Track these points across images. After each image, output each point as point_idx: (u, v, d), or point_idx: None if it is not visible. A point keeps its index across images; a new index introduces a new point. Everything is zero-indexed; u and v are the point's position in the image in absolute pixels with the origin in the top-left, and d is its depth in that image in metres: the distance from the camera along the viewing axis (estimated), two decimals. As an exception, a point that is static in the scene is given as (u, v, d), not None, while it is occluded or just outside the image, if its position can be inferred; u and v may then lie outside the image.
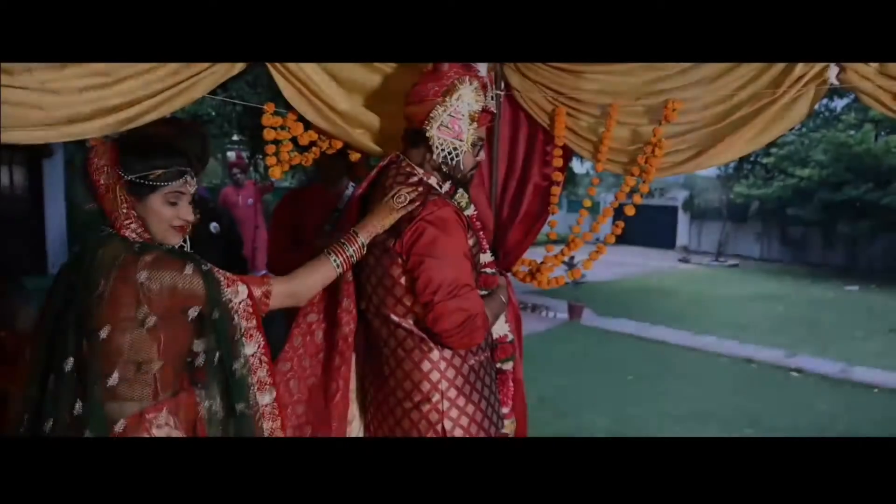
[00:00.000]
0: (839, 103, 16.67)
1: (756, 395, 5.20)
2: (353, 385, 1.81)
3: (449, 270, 1.54)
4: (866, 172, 13.53)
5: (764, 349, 6.65)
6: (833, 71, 1.78)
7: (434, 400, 1.62)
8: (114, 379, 1.30)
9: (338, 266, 1.54)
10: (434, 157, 1.69)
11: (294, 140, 2.04)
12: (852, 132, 14.01)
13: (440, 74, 1.67)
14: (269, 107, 1.98)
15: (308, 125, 2.03)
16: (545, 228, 2.57)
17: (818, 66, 1.77)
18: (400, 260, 1.61)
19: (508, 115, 2.58)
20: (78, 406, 1.27)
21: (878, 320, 8.81)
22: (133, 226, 1.35)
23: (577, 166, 10.44)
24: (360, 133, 2.09)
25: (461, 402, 1.64)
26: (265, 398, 1.39)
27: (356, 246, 1.56)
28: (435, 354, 1.64)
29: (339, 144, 2.11)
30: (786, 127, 1.93)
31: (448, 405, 1.63)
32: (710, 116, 2.06)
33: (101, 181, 1.33)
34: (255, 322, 1.38)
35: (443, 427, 1.62)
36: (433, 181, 1.74)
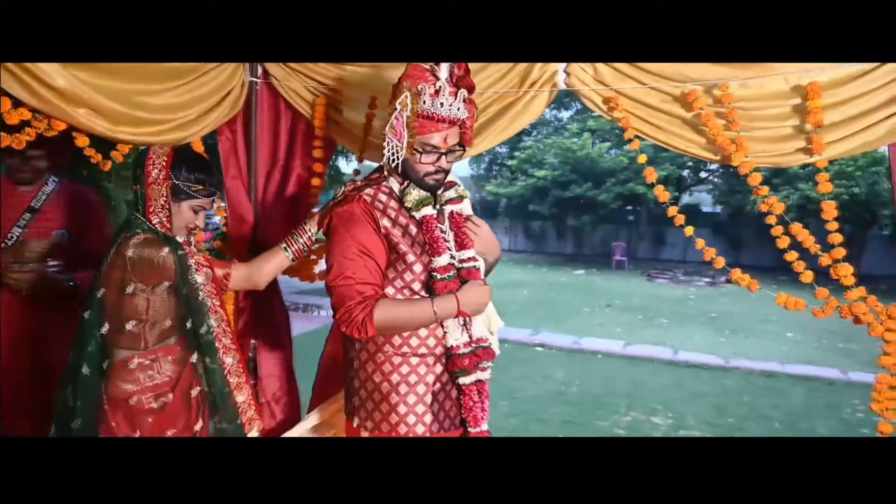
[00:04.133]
0: (566, 114, 19.44)
1: (509, 370, 5.78)
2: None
3: (336, 260, 1.60)
4: (586, 173, 15.92)
5: (513, 329, 7.42)
6: (561, 76, 2.03)
7: (393, 402, 1.61)
8: (105, 328, 1.62)
9: (290, 256, 1.76)
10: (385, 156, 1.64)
11: (-1, 118, 1.71)
12: (575, 139, 16.33)
13: (403, 75, 1.59)
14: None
15: (18, 101, 1.72)
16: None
17: (550, 70, 2.01)
18: None
19: (268, 104, 2.49)
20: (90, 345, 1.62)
21: (598, 298, 10.46)
22: (161, 215, 1.66)
23: (344, 165, 10.46)
24: (84, 114, 1.83)
25: (419, 408, 1.61)
26: (228, 359, 1.71)
27: (306, 237, 1.76)
28: (396, 359, 1.61)
29: (61, 126, 1.83)
30: (526, 122, 2.15)
31: (406, 410, 1.61)
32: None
33: (153, 174, 1.65)
34: (218, 300, 1.71)
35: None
36: (393, 180, 1.69)
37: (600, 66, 1.92)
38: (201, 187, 1.68)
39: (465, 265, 1.65)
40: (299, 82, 2.37)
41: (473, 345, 1.64)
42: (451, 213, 1.70)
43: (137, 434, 1.61)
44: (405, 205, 1.63)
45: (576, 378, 5.72)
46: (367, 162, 2.41)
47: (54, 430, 1.66)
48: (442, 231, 1.66)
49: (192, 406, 1.69)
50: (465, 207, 1.77)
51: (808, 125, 1.72)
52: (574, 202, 16.28)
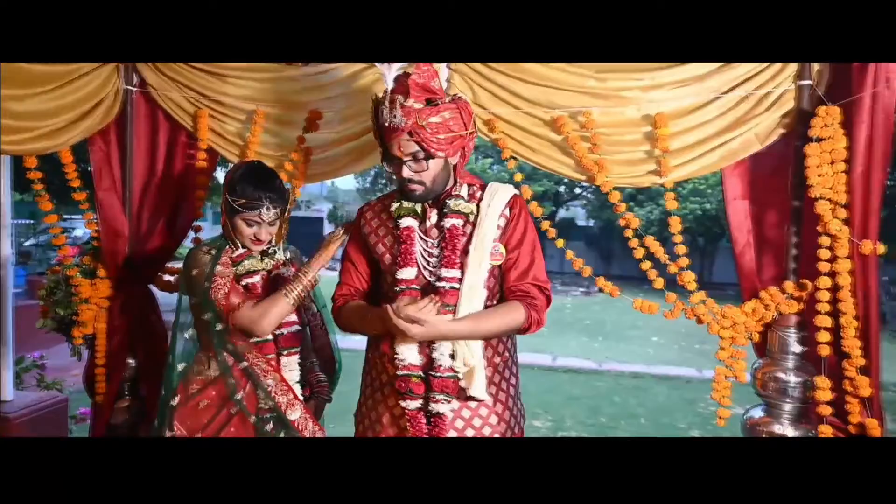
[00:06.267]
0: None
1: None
2: None
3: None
4: (471, 188, 16.35)
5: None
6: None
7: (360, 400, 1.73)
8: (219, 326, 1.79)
9: (291, 302, 1.73)
10: None
11: None
12: (459, 154, 16.76)
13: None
14: None
15: None
16: (192, 235, 2.47)
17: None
18: None
19: (144, 113, 2.41)
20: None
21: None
22: (227, 230, 1.82)
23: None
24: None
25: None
26: (269, 381, 1.77)
27: (305, 282, 1.75)
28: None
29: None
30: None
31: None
32: (350, 129, 2.23)
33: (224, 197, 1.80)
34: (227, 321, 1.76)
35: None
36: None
37: (479, 90, 2.07)
38: (243, 200, 1.74)
39: (441, 283, 1.54)
40: (178, 92, 2.32)
41: (428, 370, 1.54)
42: (451, 226, 1.58)
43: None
44: (397, 213, 1.64)
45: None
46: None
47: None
48: (425, 243, 1.60)
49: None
50: (485, 227, 1.58)
51: (656, 150, 1.96)
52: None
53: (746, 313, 1.95)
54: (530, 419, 4.98)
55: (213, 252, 1.79)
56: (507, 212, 1.60)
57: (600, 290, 2.16)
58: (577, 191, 17.61)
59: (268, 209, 1.75)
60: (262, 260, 1.84)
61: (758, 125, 1.90)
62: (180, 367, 1.86)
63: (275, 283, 1.82)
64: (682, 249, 2.01)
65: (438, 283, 1.55)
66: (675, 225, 2.03)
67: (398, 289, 1.57)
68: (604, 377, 6.53)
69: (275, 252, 1.87)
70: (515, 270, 1.58)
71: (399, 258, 1.59)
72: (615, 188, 2.03)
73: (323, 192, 23.23)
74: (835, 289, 1.79)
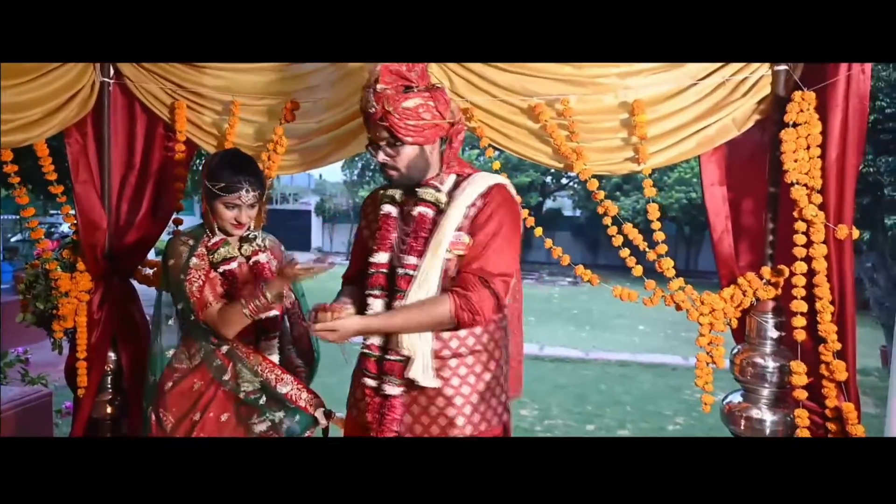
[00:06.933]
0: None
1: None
2: None
3: None
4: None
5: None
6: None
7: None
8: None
9: (247, 314, 1.72)
10: None
11: None
12: (447, 146, 16.73)
13: None
14: None
15: None
16: (172, 228, 2.45)
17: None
18: None
19: (122, 105, 2.39)
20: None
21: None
22: (208, 217, 1.82)
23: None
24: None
25: None
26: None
27: (262, 301, 1.70)
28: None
29: None
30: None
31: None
32: (331, 118, 2.21)
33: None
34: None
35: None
36: None
37: (455, 78, 2.05)
38: (223, 184, 1.76)
39: (399, 271, 1.58)
40: (155, 84, 2.30)
41: (385, 352, 1.59)
42: (418, 214, 1.60)
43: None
44: (382, 199, 1.69)
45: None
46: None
47: None
48: (404, 232, 1.61)
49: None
50: (450, 215, 1.57)
51: (634, 137, 1.96)
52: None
53: (725, 299, 1.96)
54: (517, 408, 5.01)
55: (190, 243, 1.82)
56: (479, 201, 1.58)
57: (587, 281, 2.16)
58: (564, 181, 17.64)
59: (247, 191, 1.78)
60: (240, 247, 1.86)
61: (735, 111, 1.91)
62: (168, 353, 1.91)
63: (252, 271, 1.85)
64: (660, 236, 2.01)
65: (399, 269, 1.58)
66: (654, 212, 2.03)
67: (370, 272, 1.62)
68: (590, 366, 6.58)
69: (254, 238, 1.88)
70: (466, 258, 1.56)
71: (375, 243, 1.63)
72: (594, 176, 2.03)
73: (311, 184, 23.12)
74: (811, 274, 1.80)
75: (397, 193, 1.65)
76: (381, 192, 1.71)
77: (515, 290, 1.83)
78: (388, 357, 1.58)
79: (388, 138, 1.55)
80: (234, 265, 1.81)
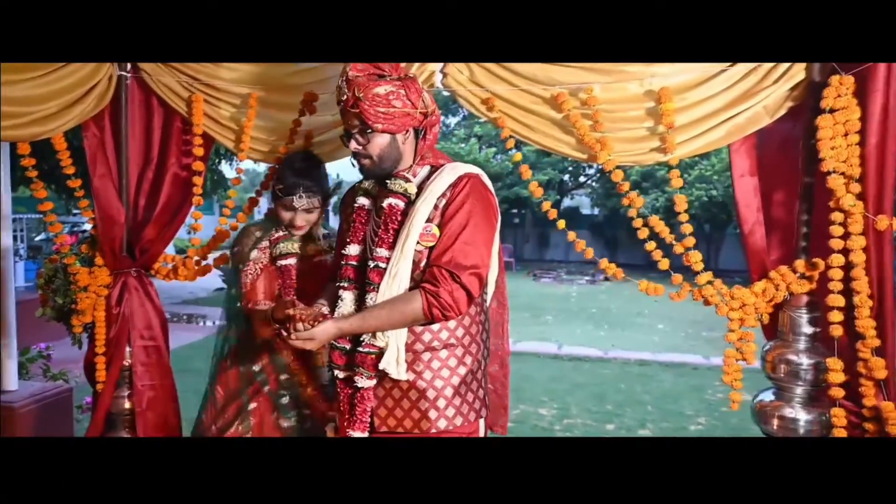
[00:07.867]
0: (453, 120, 19.83)
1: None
2: None
3: None
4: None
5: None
6: (438, 77, 2.09)
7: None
8: None
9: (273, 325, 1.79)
10: None
11: None
12: (462, 144, 16.71)
13: None
14: None
15: None
16: (190, 222, 2.43)
17: (428, 71, 2.07)
18: None
19: (139, 99, 2.37)
20: None
21: (489, 299, 10.76)
22: (276, 216, 1.95)
23: (229, 171, 9.89)
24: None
25: None
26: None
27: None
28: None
29: None
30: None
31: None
32: None
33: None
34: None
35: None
36: None
37: (476, 67, 2.01)
38: (281, 186, 1.87)
39: (370, 263, 1.57)
40: (172, 77, 2.28)
41: (355, 345, 1.58)
42: (388, 205, 1.58)
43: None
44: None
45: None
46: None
47: None
48: (376, 224, 1.60)
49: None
50: (419, 206, 1.54)
51: (661, 127, 1.89)
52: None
53: (756, 294, 1.89)
54: (535, 407, 4.95)
55: (257, 234, 1.95)
56: (449, 192, 1.54)
57: (605, 279, 2.12)
58: (582, 179, 17.52)
59: (300, 197, 1.86)
60: (303, 244, 1.94)
61: (766, 98, 1.83)
62: (231, 332, 2.06)
63: (313, 270, 1.91)
64: (688, 228, 1.95)
65: (370, 262, 1.57)
66: (681, 203, 1.97)
67: (342, 263, 1.64)
68: (609, 365, 6.49)
69: (318, 238, 1.97)
70: (435, 251, 1.52)
71: (348, 235, 1.65)
72: (618, 167, 1.97)
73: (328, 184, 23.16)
74: (848, 267, 1.73)
75: (372, 186, 1.66)
76: (357, 185, 1.71)
77: (501, 293, 1.80)
78: (360, 349, 1.57)
79: (359, 126, 1.54)
80: (291, 261, 1.88)
